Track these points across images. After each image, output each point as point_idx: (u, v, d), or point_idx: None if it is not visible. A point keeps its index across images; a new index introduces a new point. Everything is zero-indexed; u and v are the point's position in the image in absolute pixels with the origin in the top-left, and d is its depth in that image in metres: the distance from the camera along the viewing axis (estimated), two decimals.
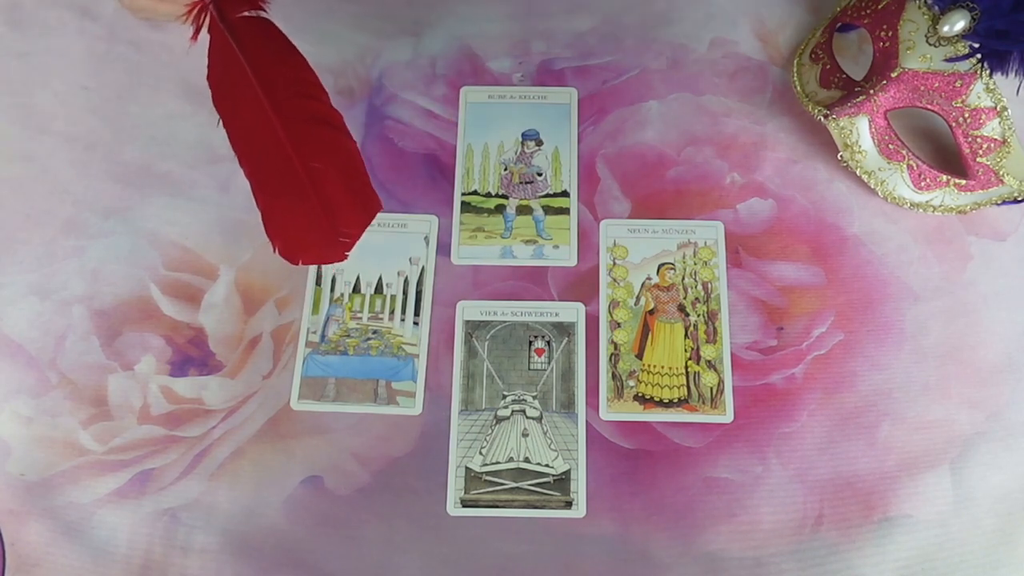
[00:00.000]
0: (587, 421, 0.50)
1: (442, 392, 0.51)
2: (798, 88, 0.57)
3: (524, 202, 0.56)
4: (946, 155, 0.55)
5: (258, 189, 0.45)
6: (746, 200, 0.55)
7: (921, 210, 0.54)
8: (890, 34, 0.52)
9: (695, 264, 0.54)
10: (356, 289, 0.54)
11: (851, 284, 0.53)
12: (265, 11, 0.48)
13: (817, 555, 0.47)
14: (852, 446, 0.50)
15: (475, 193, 0.56)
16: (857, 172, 0.54)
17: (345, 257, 0.45)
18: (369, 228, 0.55)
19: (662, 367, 0.51)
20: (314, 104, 0.47)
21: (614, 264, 0.54)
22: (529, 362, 0.52)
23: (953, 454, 0.49)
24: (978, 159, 0.52)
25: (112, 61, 0.59)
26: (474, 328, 0.53)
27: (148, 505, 0.48)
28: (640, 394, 0.51)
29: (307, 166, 0.45)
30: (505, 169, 0.57)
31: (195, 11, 0.48)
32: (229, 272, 0.54)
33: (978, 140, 0.51)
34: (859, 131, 0.53)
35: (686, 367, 0.51)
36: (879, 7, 0.53)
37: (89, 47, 0.60)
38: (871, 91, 0.52)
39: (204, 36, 0.48)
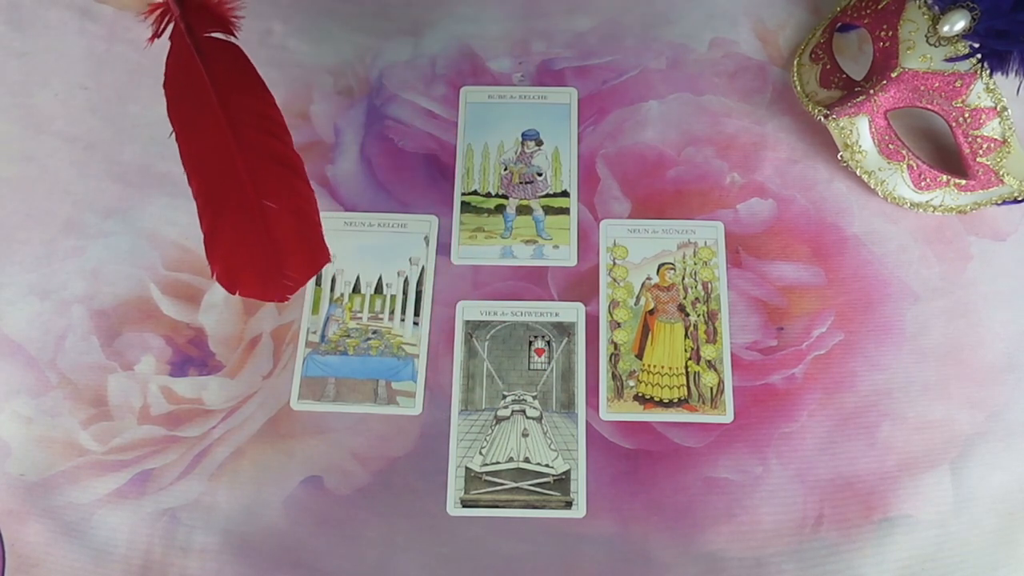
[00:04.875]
0: (587, 421, 0.50)
1: (442, 392, 0.51)
2: (798, 88, 0.57)
3: (524, 202, 0.56)
4: (946, 155, 0.55)
5: (205, 210, 0.44)
6: (746, 200, 0.55)
7: (921, 210, 0.54)
8: (890, 34, 0.52)
9: (695, 264, 0.54)
10: (356, 289, 0.54)
11: (851, 284, 0.53)
12: (235, 37, 0.46)
13: (817, 555, 0.47)
14: (852, 446, 0.50)
15: (475, 193, 0.56)
16: (857, 172, 0.54)
17: (286, 299, 0.45)
18: (369, 228, 0.55)
19: (662, 367, 0.51)
20: (277, 144, 0.45)
21: (614, 264, 0.54)
22: (529, 362, 0.52)
23: (953, 454, 0.49)
24: (978, 159, 0.52)
25: (112, 61, 0.59)
26: (474, 328, 0.53)
27: (148, 505, 0.48)
28: (640, 394, 0.51)
29: (262, 203, 0.44)
30: (505, 169, 0.57)
31: (158, 13, 0.46)
32: None
33: (978, 140, 0.51)
34: (859, 131, 0.53)
35: (686, 367, 0.51)
36: (879, 7, 0.53)
37: (89, 47, 0.60)
38: (871, 91, 0.52)
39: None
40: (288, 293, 0.45)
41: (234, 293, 0.45)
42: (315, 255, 0.46)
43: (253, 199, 0.44)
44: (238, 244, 0.44)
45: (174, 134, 0.45)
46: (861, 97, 0.52)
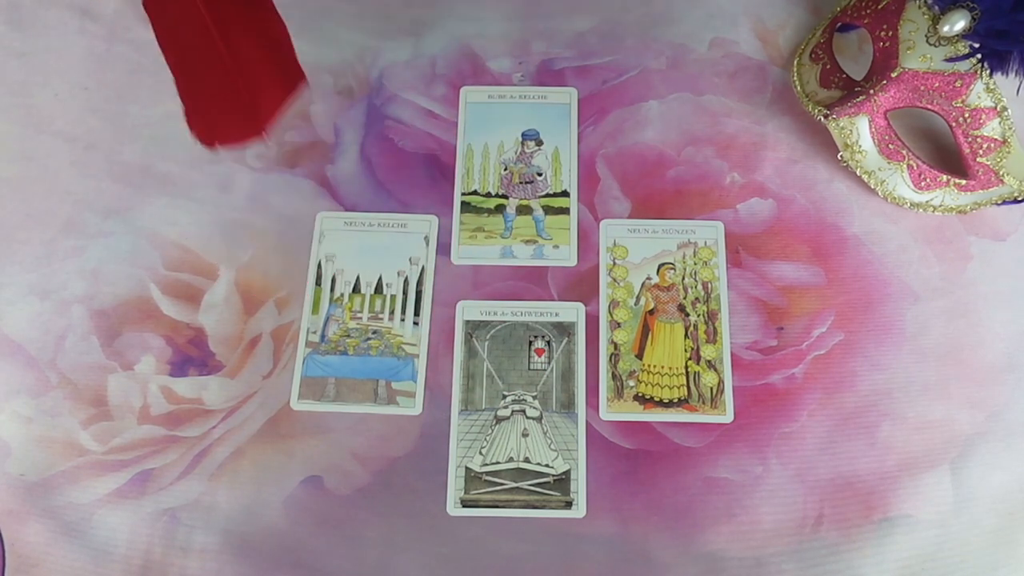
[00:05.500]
0: (587, 421, 0.50)
1: (442, 392, 0.51)
2: (798, 88, 0.57)
3: (524, 202, 0.56)
4: (946, 155, 0.55)
5: (181, 80, 0.44)
6: (746, 200, 0.55)
7: (921, 210, 0.54)
8: (890, 34, 0.52)
9: (695, 264, 0.54)
10: (356, 289, 0.54)
11: (851, 284, 0.53)
12: None
13: (817, 555, 0.47)
14: (852, 446, 0.50)
15: (475, 193, 0.56)
16: (857, 172, 0.54)
17: (263, 134, 0.43)
18: (369, 228, 0.55)
19: (662, 367, 0.51)
20: None
21: (614, 264, 0.54)
22: (529, 362, 0.52)
23: (953, 454, 0.49)
24: (978, 159, 0.52)
25: (112, 61, 0.59)
26: (474, 328, 0.53)
27: (148, 505, 0.48)
28: (640, 394, 0.51)
29: (230, 45, 0.43)
30: (505, 169, 0.57)
31: None
32: (229, 272, 0.54)
33: (978, 140, 0.51)
34: (859, 131, 0.53)
35: (686, 367, 0.51)
36: (879, 7, 0.53)
37: (89, 47, 0.60)
38: (871, 91, 0.52)
39: None
40: (264, 125, 0.44)
41: (213, 146, 0.44)
42: (287, 78, 0.45)
43: (223, 46, 0.44)
44: (213, 98, 0.44)
45: (150, 21, 0.45)
46: (861, 97, 0.52)
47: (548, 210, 0.56)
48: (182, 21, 0.44)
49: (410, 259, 0.54)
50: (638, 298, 0.53)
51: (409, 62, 0.60)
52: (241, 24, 0.44)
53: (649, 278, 0.54)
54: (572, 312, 0.53)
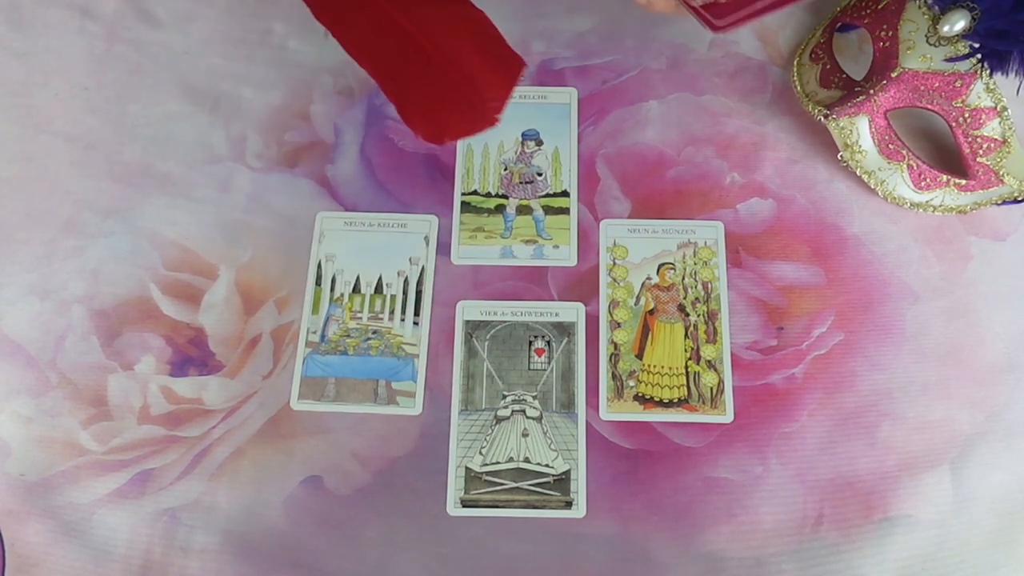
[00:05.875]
0: (587, 421, 0.50)
1: (442, 392, 0.51)
2: (798, 88, 0.57)
3: (524, 202, 0.56)
4: (946, 155, 0.55)
5: (387, 85, 0.45)
6: (746, 200, 0.55)
7: (921, 210, 0.54)
8: (890, 34, 0.52)
9: (695, 264, 0.54)
10: (356, 289, 0.54)
11: (851, 284, 0.53)
12: None
13: (817, 555, 0.47)
14: (852, 446, 0.49)
15: (475, 193, 0.56)
16: (857, 172, 0.54)
17: (496, 120, 0.43)
18: (369, 228, 0.55)
19: (662, 367, 0.51)
20: None
21: (614, 264, 0.54)
22: (529, 362, 0.52)
23: (953, 454, 0.49)
24: (978, 159, 0.52)
25: (112, 61, 0.59)
26: (474, 328, 0.53)
27: (148, 505, 0.48)
28: (640, 394, 0.51)
29: (439, 47, 0.44)
30: (505, 169, 0.57)
31: None
32: (229, 272, 0.54)
33: (978, 140, 0.51)
34: (859, 131, 0.53)
35: (686, 367, 0.51)
36: (879, 7, 0.53)
37: (89, 47, 0.60)
38: (871, 91, 0.52)
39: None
40: (496, 113, 0.44)
41: (442, 143, 0.45)
42: (507, 65, 0.45)
43: (432, 49, 0.44)
44: (428, 96, 0.44)
45: (329, 33, 0.46)
46: (861, 97, 0.52)
47: (548, 210, 0.56)
48: (375, 30, 0.44)
49: (410, 259, 0.54)
50: (638, 298, 0.53)
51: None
52: (444, 24, 0.44)
53: (649, 278, 0.54)
54: (572, 312, 0.53)
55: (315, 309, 0.53)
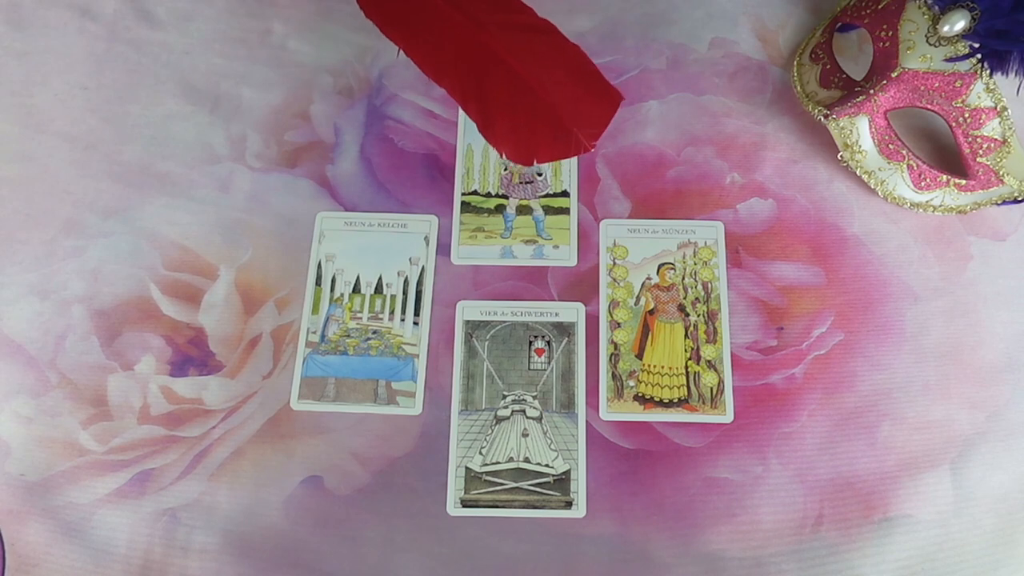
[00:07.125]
0: (587, 421, 0.50)
1: (442, 392, 0.51)
2: (798, 88, 0.57)
3: (524, 202, 0.56)
4: (946, 155, 0.55)
5: (468, 104, 0.46)
6: (746, 200, 0.55)
7: (921, 210, 0.54)
8: (890, 34, 0.52)
9: (695, 264, 0.54)
10: (356, 289, 0.54)
11: (851, 284, 0.53)
12: None
13: (817, 555, 0.47)
14: (852, 446, 0.50)
15: (475, 193, 0.56)
16: (857, 172, 0.54)
17: (592, 148, 0.45)
18: (369, 228, 0.55)
19: (662, 367, 0.51)
20: (519, 17, 0.47)
21: (614, 264, 0.54)
22: (529, 362, 0.52)
23: (953, 454, 0.49)
24: (978, 159, 0.52)
25: (112, 61, 0.59)
26: (474, 328, 0.53)
27: (148, 505, 0.48)
28: (640, 394, 0.51)
29: (533, 73, 0.45)
30: (505, 169, 0.57)
31: None
32: (229, 272, 0.54)
33: (978, 140, 0.51)
34: (859, 131, 0.53)
35: (686, 367, 0.51)
36: (879, 7, 0.53)
37: (89, 47, 0.60)
38: (871, 91, 0.52)
39: None
40: (593, 141, 0.45)
41: (531, 164, 0.46)
42: (607, 98, 0.46)
43: (519, 72, 0.45)
44: (516, 119, 0.45)
45: (401, 51, 0.47)
46: (861, 97, 0.52)
47: (548, 210, 0.56)
48: (458, 51, 0.46)
49: (410, 259, 0.54)
50: (638, 298, 0.53)
51: (409, 62, 0.60)
52: (538, 53, 0.46)
53: (649, 278, 0.54)
54: (572, 312, 0.53)
55: (315, 309, 0.53)
